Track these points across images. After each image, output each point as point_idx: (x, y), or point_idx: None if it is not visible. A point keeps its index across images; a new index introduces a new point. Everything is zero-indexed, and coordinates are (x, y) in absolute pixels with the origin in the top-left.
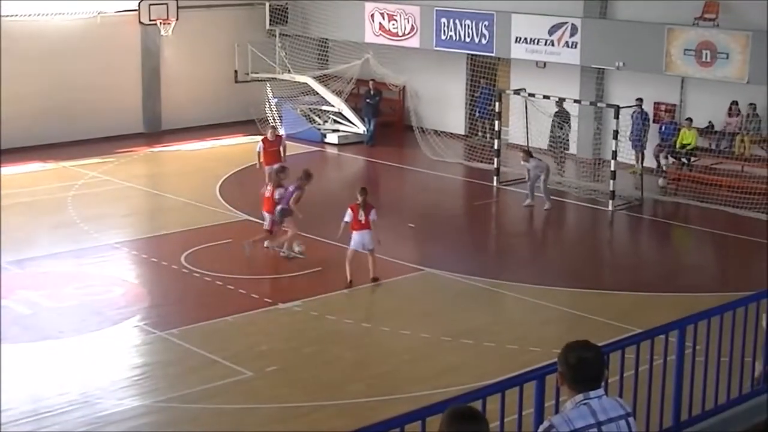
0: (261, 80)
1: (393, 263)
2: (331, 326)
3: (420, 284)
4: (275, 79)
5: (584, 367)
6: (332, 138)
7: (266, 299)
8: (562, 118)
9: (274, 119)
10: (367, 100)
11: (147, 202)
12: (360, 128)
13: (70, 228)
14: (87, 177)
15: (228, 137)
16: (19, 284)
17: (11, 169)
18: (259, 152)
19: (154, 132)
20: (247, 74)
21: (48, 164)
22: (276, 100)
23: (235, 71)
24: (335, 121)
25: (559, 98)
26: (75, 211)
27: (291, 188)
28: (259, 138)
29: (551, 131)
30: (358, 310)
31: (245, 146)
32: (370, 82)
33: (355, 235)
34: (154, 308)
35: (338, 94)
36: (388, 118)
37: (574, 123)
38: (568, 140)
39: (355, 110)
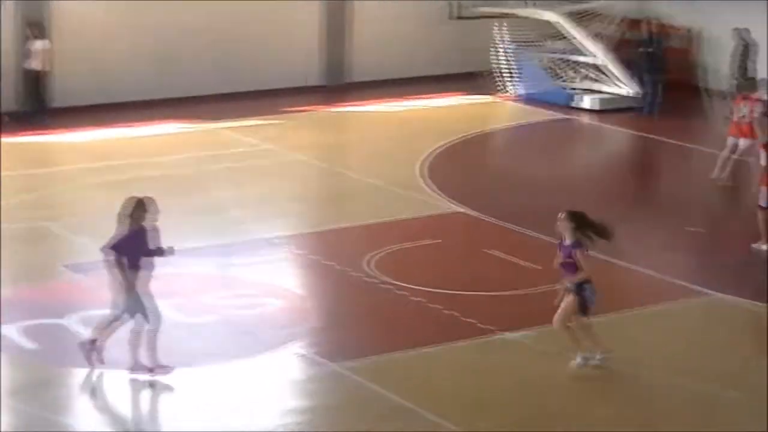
0: (489, 17)
1: (664, 282)
2: (575, 368)
3: (701, 314)
4: (510, 15)
5: None
6: (587, 101)
7: (484, 325)
8: None
9: (505, 72)
10: (644, 50)
11: (321, 183)
12: (629, 89)
13: (215, 215)
14: (242, 144)
15: (438, 96)
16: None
17: (135, 131)
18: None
19: (336, 86)
20: (470, 8)
21: (189, 125)
22: (509, 46)
23: (451, 4)
24: (593, 79)
25: None
26: (223, 191)
27: None
28: (484, 98)
29: None
30: (613, 346)
31: (461, 109)
32: (648, 24)
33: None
34: (324, 331)
35: (599, 39)
36: (674, 76)
37: None
38: None
39: (625, 63)
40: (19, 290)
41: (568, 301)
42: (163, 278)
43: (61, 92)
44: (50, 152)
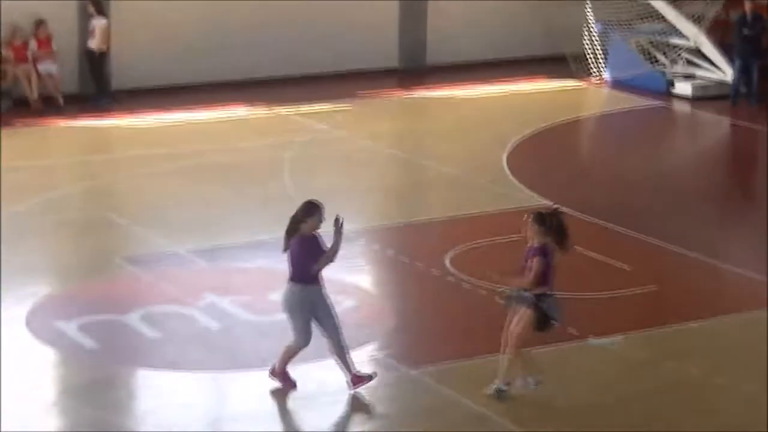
0: None
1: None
2: (671, 376)
3: None
4: None
5: None
6: (683, 88)
7: (569, 329)
8: None
9: (595, 56)
10: (745, 32)
11: (397, 173)
12: (726, 74)
13: (283, 204)
14: (312, 130)
15: (522, 81)
16: (205, 284)
17: (201, 115)
18: None
19: (414, 68)
20: None
21: (257, 109)
22: (599, 26)
23: None
24: (690, 63)
25: None
26: (292, 179)
27: None
28: (572, 83)
29: None
30: (709, 354)
31: (548, 95)
32: (748, 4)
33: None
34: (400, 332)
35: (696, 20)
36: None
37: None
38: None
39: (722, 47)
40: (77, 285)
41: (522, 315)
42: (229, 273)
43: (125, 74)
44: (111, 137)
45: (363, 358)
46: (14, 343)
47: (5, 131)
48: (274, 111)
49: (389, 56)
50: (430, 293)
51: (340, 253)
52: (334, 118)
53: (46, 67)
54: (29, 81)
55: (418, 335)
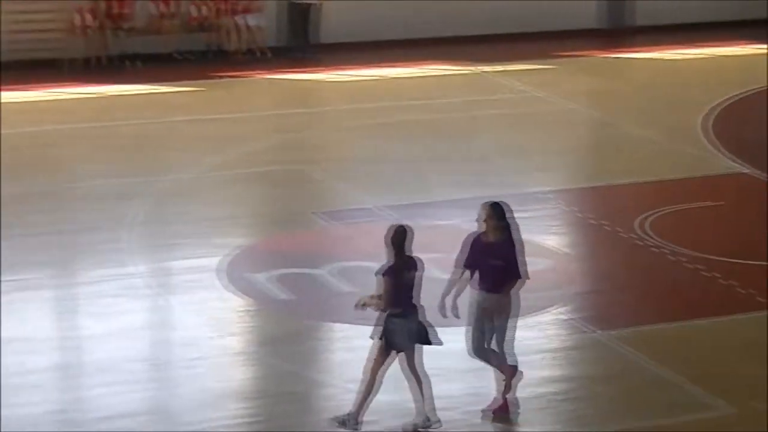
0: None
1: None
2: None
3: None
4: None
5: None
6: None
7: (764, 299)
8: None
9: None
10: None
11: (593, 134)
12: None
13: (478, 164)
14: (510, 90)
15: (730, 44)
16: None
17: (400, 71)
18: None
19: (616, 29)
20: None
21: (456, 67)
22: None
23: None
24: None
25: None
26: (488, 139)
27: None
28: None
29: None
30: None
31: (757, 59)
32: None
33: None
34: (590, 295)
35: None
36: None
37: None
38: None
39: None
40: (271, 237)
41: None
42: (423, 231)
43: (327, 28)
44: (311, 91)
45: (552, 320)
46: (207, 293)
47: (208, 82)
48: (474, 69)
49: (591, 16)
50: (622, 257)
51: (534, 213)
52: (533, 77)
53: (250, 19)
54: (236, 33)
55: (609, 298)
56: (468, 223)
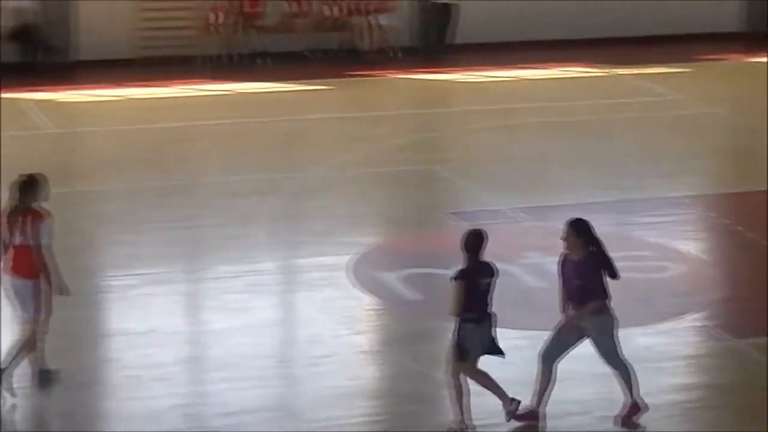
0: None
1: None
2: None
3: None
4: None
5: None
6: None
7: None
8: None
9: None
10: None
11: (735, 139)
12: None
13: (614, 167)
14: (649, 93)
15: None
16: (529, 243)
17: (535, 72)
18: None
19: (760, 32)
20: None
21: (592, 69)
22: None
23: None
24: None
25: None
26: (624, 142)
27: None
28: None
29: None
30: None
31: None
32: None
33: None
34: (728, 303)
35: None
36: None
37: None
38: None
39: None
40: (401, 237)
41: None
42: (554, 233)
43: (462, 29)
44: (444, 91)
45: (687, 327)
46: (335, 290)
47: (340, 81)
48: (610, 71)
49: (733, 19)
50: (758, 264)
51: (672, 218)
52: (672, 81)
53: (382, 19)
54: (368, 32)
55: (748, 306)
56: (601, 227)
